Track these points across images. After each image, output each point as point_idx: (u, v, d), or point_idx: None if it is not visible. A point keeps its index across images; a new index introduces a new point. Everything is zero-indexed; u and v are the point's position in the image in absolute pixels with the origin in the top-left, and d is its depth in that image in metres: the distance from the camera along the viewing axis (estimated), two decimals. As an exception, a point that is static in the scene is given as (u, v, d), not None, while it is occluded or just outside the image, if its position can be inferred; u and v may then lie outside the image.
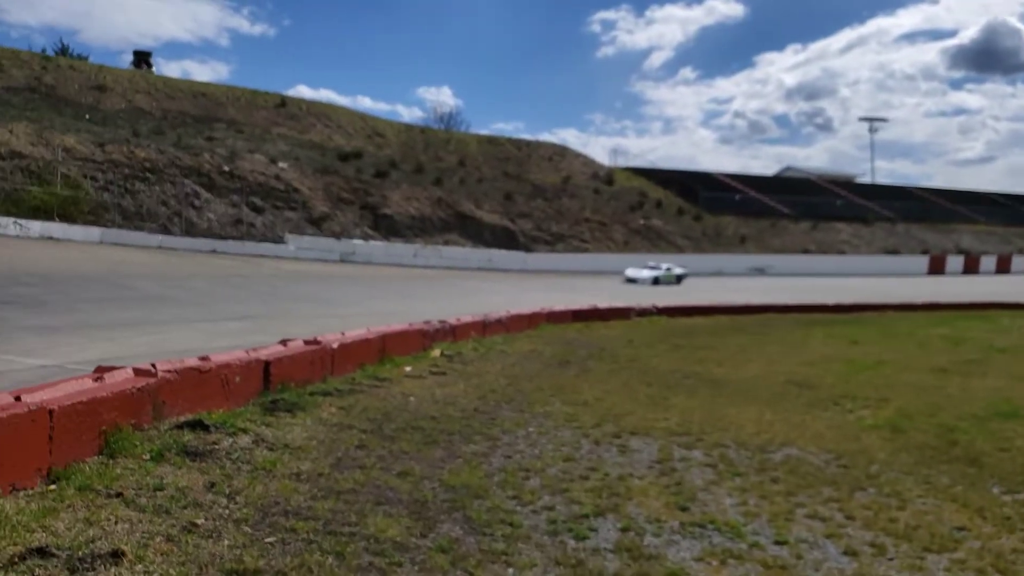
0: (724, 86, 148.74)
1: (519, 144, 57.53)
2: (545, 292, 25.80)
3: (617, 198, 51.09)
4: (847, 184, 66.21)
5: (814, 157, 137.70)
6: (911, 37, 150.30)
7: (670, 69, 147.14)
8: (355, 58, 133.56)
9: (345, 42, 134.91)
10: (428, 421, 6.54)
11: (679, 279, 35.44)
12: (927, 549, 4.23)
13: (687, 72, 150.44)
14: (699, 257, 44.82)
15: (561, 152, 58.11)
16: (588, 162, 58.04)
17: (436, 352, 10.42)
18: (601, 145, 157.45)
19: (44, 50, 48.45)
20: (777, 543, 4.23)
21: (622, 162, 62.58)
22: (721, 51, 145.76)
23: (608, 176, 54.49)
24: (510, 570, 3.67)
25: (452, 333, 11.66)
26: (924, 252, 51.45)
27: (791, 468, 5.76)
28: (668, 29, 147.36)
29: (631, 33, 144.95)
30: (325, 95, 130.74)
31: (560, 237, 45.06)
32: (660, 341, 14.03)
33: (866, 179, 74.60)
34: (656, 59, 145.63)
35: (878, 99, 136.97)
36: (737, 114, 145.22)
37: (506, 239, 42.94)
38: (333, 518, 4.06)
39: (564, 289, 28.31)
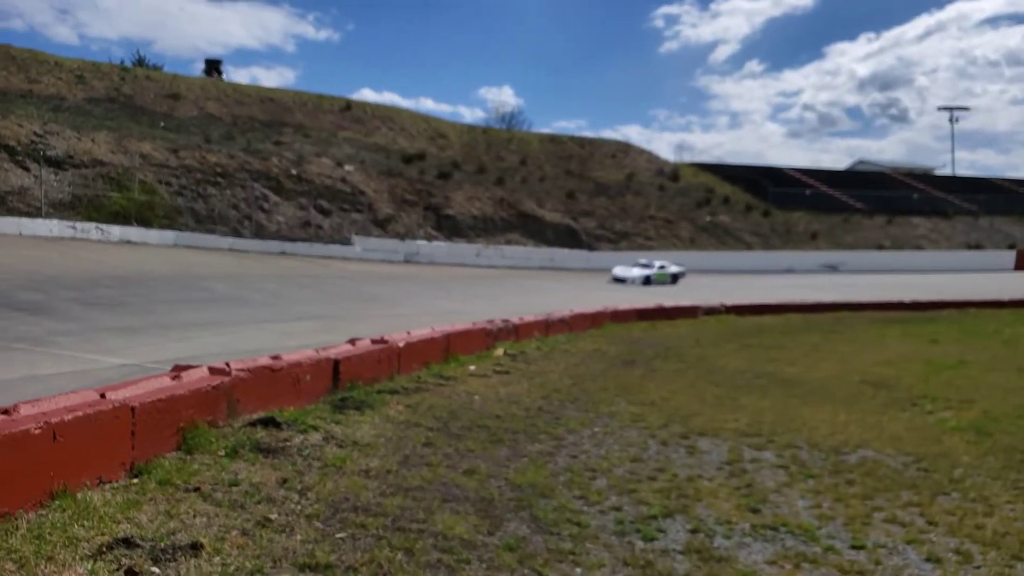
0: (792, 78, 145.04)
1: (581, 142, 57.29)
2: (609, 291, 25.63)
3: (683, 195, 50.37)
4: (924, 176, 63.71)
5: (888, 149, 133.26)
6: (994, 21, 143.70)
7: (736, 62, 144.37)
8: (417, 61, 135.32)
9: (407, 45, 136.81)
10: (493, 420, 6.56)
11: (675, 278, 32.36)
12: (1016, 557, 4.02)
13: (753, 65, 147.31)
14: (768, 254, 43.84)
15: (624, 149, 57.62)
16: (652, 158, 57.40)
17: (500, 351, 10.46)
18: (665, 141, 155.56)
19: (122, 61, 50.66)
20: (854, 548, 4.09)
21: (687, 158, 61.81)
22: (789, 43, 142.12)
23: (673, 172, 53.76)
24: (578, 570, 3.64)
25: (515, 332, 11.68)
26: (1010, 247, 48.93)
27: (867, 471, 5.57)
28: (734, 22, 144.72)
29: (695, 27, 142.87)
30: (389, 98, 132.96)
31: (624, 235, 44.67)
32: (728, 340, 13.77)
33: (946, 171, 71.62)
34: (721, 53, 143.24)
35: (958, 87, 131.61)
36: (806, 107, 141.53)
37: (569, 238, 42.81)
38: (402, 515, 4.11)
39: (628, 288, 28.07)
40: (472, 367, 9.08)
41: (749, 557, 3.91)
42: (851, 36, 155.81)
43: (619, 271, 32.06)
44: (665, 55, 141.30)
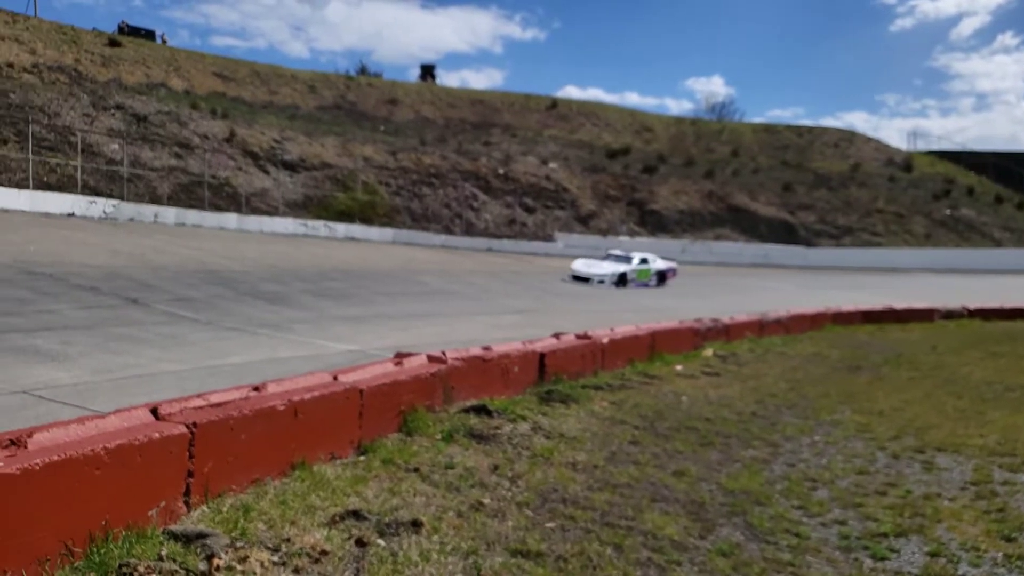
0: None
1: (799, 131, 54.04)
2: (830, 290, 23.94)
3: (917, 186, 45.78)
4: None
5: None
6: None
7: (985, 37, 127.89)
8: (622, 55, 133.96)
9: (612, 40, 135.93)
10: (702, 422, 6.34)
11: (662, 277, 24.50)
12: None
13: (1007, 38, 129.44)
14: None
15: (848, 137, 53.51)
16: (880, 147, 52.76)
17: (708, 351, 10.11)
18: (895, 128, 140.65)
19: (347, 71, 55.37)
20: None
21: (922, 146, 55.88)
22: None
23: (906, 162, 49.01)
24: (798, 585, 3.40)
25: (725, 332, 11.23)
26: None
27: None
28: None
29: (934, 1, 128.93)
30: (593, 94, 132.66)
31: (847, 230, 41.49)
32: (972, 347, 12.32)
33: None
34: (966, 27, 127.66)
35: None
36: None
37: (784, 233, 40.55)
38: (610, 510, 4.08)
39: (852, 287, 26.04)
40: (679, 367, 8.85)
41: (1004, 592, 3.44)
42: None
43: (580, 266, 23.56)
44: (897, 34, 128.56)
